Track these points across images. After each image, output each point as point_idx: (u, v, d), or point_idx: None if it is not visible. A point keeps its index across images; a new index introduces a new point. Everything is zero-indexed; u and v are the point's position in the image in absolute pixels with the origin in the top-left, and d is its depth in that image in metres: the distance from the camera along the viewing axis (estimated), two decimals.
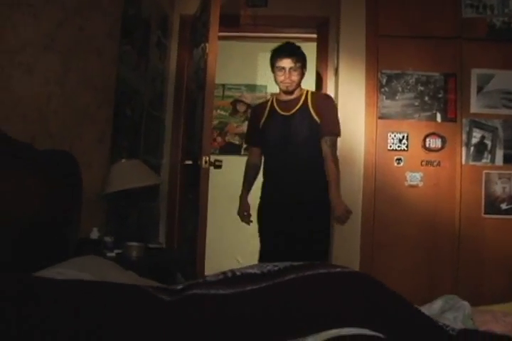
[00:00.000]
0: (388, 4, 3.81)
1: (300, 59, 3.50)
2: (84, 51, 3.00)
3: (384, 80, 3.73)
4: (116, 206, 3.48)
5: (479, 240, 3.62)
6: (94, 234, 2.95)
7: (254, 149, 3.78)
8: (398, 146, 3.68)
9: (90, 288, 1.27)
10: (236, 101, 6.06)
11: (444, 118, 3.71)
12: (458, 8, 3.78)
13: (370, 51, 3.76)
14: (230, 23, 4.46)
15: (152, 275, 2.38)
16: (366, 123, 3.71)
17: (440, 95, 3.72)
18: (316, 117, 3.46)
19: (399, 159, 3.67)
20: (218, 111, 5.88)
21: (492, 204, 3.65)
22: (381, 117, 3.71)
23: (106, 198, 3.29)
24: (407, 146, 3.68)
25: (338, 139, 3.51)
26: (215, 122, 5.78)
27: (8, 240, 2.03)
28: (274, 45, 4.32)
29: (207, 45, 3.60)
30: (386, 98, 3.72)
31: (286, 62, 3.46)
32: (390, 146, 3.68)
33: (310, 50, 4.16)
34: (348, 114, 3.72)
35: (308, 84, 4.02)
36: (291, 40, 3.72)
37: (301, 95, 3.56)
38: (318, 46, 4.65)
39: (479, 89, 3.72)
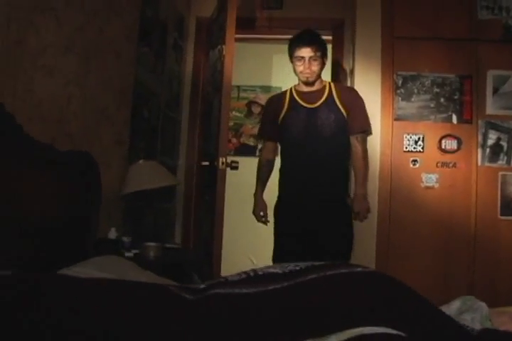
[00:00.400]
0: (404, 6, 3.82)
1: (320, 47, 3.32)
2: (103, 53, 3.04)
3: (400, 82, 3.73)
4: (133, 206, 3.51)
5: (495, 241, 3.61)
6: (112, 234, 2.99)
7: (269, 144, 3.61)
8: (414, 148, 3.68)
9: (114, 286, 1.30)
10: (251, 103, 6.08)
11: (459, 120, 3.71)
12: (473, 10, 3.78)
13: (386, 53, 3.77)
14: (246, 25, 4.49)
15: (169, 275, 2.40)
16: (382, 125, 3.72)
17: (456, 97, 3.72)
18: (343, 110, 3.33)
19: (415, 160, 3.67)
20: (233, 112, 5.90)
21: (508, 206, 3.65)
22: (397, 119, 3.72)
23: (123, 198, 3.32)
24: (422, 148, 3.69)
25: None
26: (230, 123, 5.77)
27: (29, 239, 2.07)
28: None
29: (223, 47, 3.62)
30: (402, 99, 3.72)
31: (306, 52, 3.28)
32: (406, 148, 3.69)
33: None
34: None
35: None
36: None
37: (324, 87, 3.41)
38: (333, 48, 4.65)
39: (495, 91, 3.72)
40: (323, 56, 3.36)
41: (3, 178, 1.94)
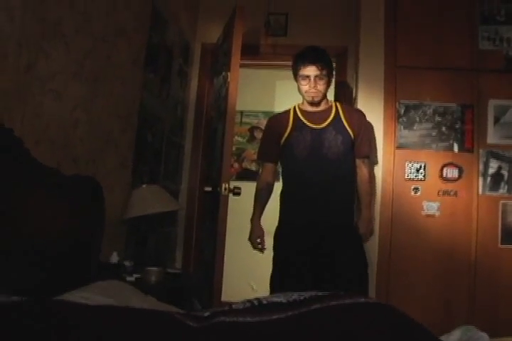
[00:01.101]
0: (406, 35, 3.87)
1: (326, 65, 3.19)
2: (110, 78, 3.08)
3: (402, 110, 3.77)
4: (135, 230, 3.52)
5: (495, 270, 3.61)
6: (114, 258, 2.99)
7: (268, 166, 3.44)
8: (415, 176, 3.70)
9: (120, 313, 1.31)
10: (253, 128, 6.12)
11: (461, 149, 3.74)
12: (475, 41, 3.84)
13: (389, 81, 3.81)
14: (251, 51, 4.54)
15: (170, 300, 2.40)
16: (384, 153, 3.74)
17: (457, 126, 3.75)
18: (350, 132, 3.24)
19: (416, 188, 3.69)
20: (236, 137, 5.93)
21: (508, 235, 3.65)
22: (399, 147, 3.74)
23: (126, 222, 3.34)
24: (424, 176, 3.71)
25: None
26: (233, 148, 5.83)
27: (32, 262, 2.08)
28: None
29: (228, 73, 3.67)
30: (404, 128, 3.75)
31: (311, 70, 3.15)
32: (408, 176, 3.71)
33: None
34: None
35: None
36: None
37: (330, 107, 3.31)
38: (336, 75, 4.71)
39: (496, 120, 3.75)
40: (330, 74, 3.25)
41: (8, 201, 1.96)
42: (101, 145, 3.03)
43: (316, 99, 3.24)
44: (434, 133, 3.75)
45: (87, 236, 2.51)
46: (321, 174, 3.20)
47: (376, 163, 3.67)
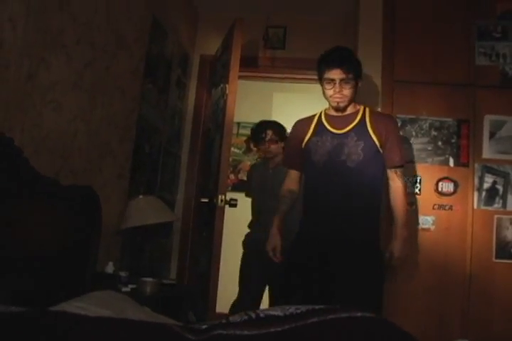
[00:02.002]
0: (404, 50, 3.90)
1: (353, 68, 2.93)
2: (109, 89, 3.10)
3: (398, 124, 3.79)
4: (131, 241, 3.52)
5: (490, 284, 3.61)
6: (110, 269, 2.99)
7: (291, 173, 3.20)
8: (411, 190, 3.71)
9: (121, 326, 1.31)
10: (250, 140, 6.13)
11: (456, 163, 3.76)
12: (471, 56, 3.86)
13: (386, 96, 3.83)
14: (249, 63, 4.58)
15: (164, 311, 2.41)
16: None
17: (453, 140, 3.77)
18: (374, 138, 2.92)
19: (411, 202, 3.69)
20: (232, 148, 5.94)
21: (503, 249, 3.66)
22: None
23: (121, 233, 3.34)
24: (419, 190, 3.72)
25: None
26: (230, 159, 5.84)
27: (28, 271, 2.09)
28: (290, 85, 4.41)
29: (227, 85, 3.69)
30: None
31: (336, 74, 2.89)
32: None
33: None
34: None
35: None
36: (308, 81, 3.76)
37: (357, 111, 3.03)
38: None
39: (492, 135, 3.77)
40: (357, 78, 2.97)
41: (6, 210, 1.97)
42: (99, 155, 3.05)
43: (342, 105, 2.97)
44: (429, 148, 3.77)
45: (84, 245, 2.51)
46: (338, 183, 2.93)
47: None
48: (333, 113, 3.05)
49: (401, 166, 3.03)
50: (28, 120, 2.30)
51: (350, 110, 3.02)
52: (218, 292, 3.52)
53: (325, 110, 3.13)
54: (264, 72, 4.92)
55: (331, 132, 3.00)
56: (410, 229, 3.62)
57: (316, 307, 1.41)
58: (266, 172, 4.02)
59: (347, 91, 2.94)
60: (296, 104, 5.78)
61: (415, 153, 3.76)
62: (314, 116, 3.15)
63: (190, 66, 4.83)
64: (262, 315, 1.40)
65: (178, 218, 4.27)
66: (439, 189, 3.72)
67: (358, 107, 3.06)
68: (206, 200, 3.80)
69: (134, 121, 3.53)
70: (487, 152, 3.76)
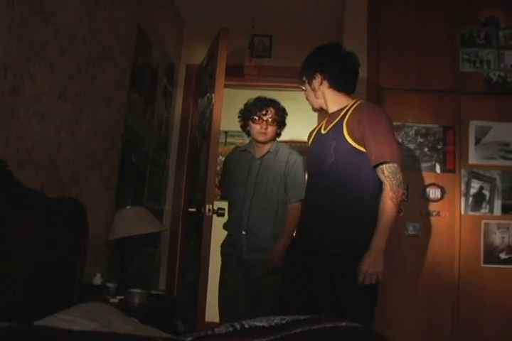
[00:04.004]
0: (389, 58, 3.92)
1: (300, 73, 2.82)
2: (95, 100, 3.09)
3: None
4: (119, 251, 3.51)
5: (478, 289, 3.62)
6: (98, 280, 2.98)
7: None
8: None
9: (103, 339, 1.31)
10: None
11: (443, 169, 3.77)
12: (455, 63, 3.89)
13: (371, 103, 3.84)
14: (235, 72, 4.60)
15: (153, 321, 2.40)
16: None
17: (439, 147, 3.79)
18: (347, 136, 2.57)
19: (399, 209, 3.71)
20: (220, 157, 5.93)
21: (491, 254, 3.67)
22: None
23: (109, 244, 3.33)
24: (407, 196, 3.73)
25: None
26: (217, 169, 5.83)
27: (15, 284, 2.08)
28: (277, 93, 4.40)
29: (213, 95, 3.70)
30: None
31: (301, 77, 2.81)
32: None
33: None
34: None
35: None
36: (294, 90, 3.73)
37: (344, 107, 2.71)
38: None
39: (477, 141, 3.79)
40: (309, 78, 2.79)
41: None
42: (85, 166, 3.04)
43: (313, 109, 2.87)
44: (416, 154, 3.79)
45: (70, 257, 2.50)
46: (318, 189, 2.70)
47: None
48: (329, 111, 2.80)
49: (385, 163, 2.52)
50: (13, 132, 2.29)
51: (335, 108, 2.75)
52: (207, 301, 3.51)
53: None
54: (251, 80, 4.93)
55: (320, 133, 2.80)
56: (397, 235, 3.67)
57: (301, 317, 1.41)
58: (251, 163, 3.57)
59: (306, 94, 2.83)
60: None
61: (402, 159, 3.76)
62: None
63: (177, 76, 4.84)
64: (246, 325, 1.40)
65: (166, 228, 4.26)
66: (427, 195, 3.74)
67: (346, 103, 2.74)
68: (194, 210, 3.79)
69: (120, 131, 3.52)
70: (473, 158, 3.78)
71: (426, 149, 3.79)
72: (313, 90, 2.77)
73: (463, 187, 3.74)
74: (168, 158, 4.70)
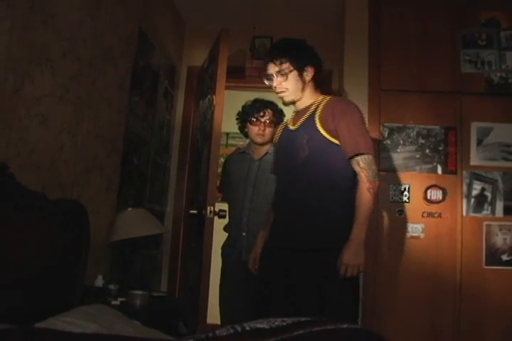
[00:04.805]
0: (390, 59, 3.92)
1: (287, 59, 2.66)
2: (96, 102, 3.09)
3: (386, 133, 3.80)
4: (120, 253, 3.51)
5: (480, 291, 3.62)
6: (99, 282, 2.97)
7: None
8: (400, 198, 3.72)
9: None
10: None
11: (444, 171, 3.77)
12: (457, 64, 3.89)
13: (373, 104, 3.85)
14: (236, 73, 4.59)
15: (155, 323, 2.40)
16: None
17: (441, 148, 3.79)
18: (320, 128, 2.56)
19: (400, 211, 3.71)
20: (221, 159, 5.94)
21: (493, 256, 3.67)
22: (383, 169, 3.76)
23: (111, 245, 3.33)
24: (408, 198, 3.73)
25: None
26: (218, 170, 5.82)
27: (16, 286, 2.08)
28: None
29: (214, 97, 3.70)
30: (388, 150, 3.79)
31: (270, 68, 2.71)
32: (392, 198, 3.73)
33: None
34: None
35: None
36: None
37: (313, 103, 2.69)
38: None
39: (479, 142, 3.79)
40: (300, 66, 2.67)
41: None
42: (86, 168, 3.04)
43: (287, 99, 2.70)
44: (417, 156, 3.79)
45: (72, 259, 2.50)
46: (291, 184, 2.64)
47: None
48: (297, 107, 2.76)
49: (361, 154, 2.52)
50: (14, 134, 2.29)
51: (306, 102, 2.71)
52: (209, 303, 3.51)
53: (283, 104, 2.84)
54: (252, 82, 4.92)
55: (288, 129, 2.77)
56: (398, 237, 3.67)
57: (302, 319, 1.41)
58: (250, 165, 3.56)
59: (286, 84, 2.64)
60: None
61: (403, 161, 3.78)
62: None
63: (178, 77, 4.84)
64: (247, 328, 1.40)
65: (168, 230, 4.26)
66: (428, 197, 3.73)
67: (316, 98, 2.72)
68: (195, 212, 3.79)
69: (122, 133, 3.52)
70: (475, 159, 3.78)
71: (427, 150, 3.79)
72: (302, 81, 2.67)
73: (464, 188, 3.74)
74: (169, 160, 4.70)
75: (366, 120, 2.79)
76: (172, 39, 4.65)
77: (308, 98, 2.71)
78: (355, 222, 2.49)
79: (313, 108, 2.66)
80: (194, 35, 4.99)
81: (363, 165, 2.52)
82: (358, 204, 2.50)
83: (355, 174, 2.55)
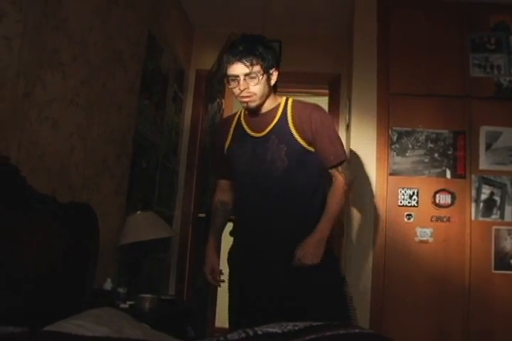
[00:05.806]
0: (399, 63, 3.92)
1: (259, 60, 2.37)
2: (106, 105, 3.11)
3: (395, 137, 3.80)
4: (129, 257, 3.51)
5: (489, 296, 3.61)
6: (108, 285, 2.98)
7: (221, 182, 2.76)
8: (408, 202, 3.72)
9: None
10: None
11: (453, 175, 3.77)
12: (466, 68, 3.89)
13: (382, 108, 3.85)
14: None
15: (163, 327, 2.40)
16: (377, 179, 3.76)
17: (449, 152, 3.79)
18: (298, 138, 2.44)
19: (409, 215, 3.70)
20: None
21: (502, 260, 3.66)
22: (392, 173, 3.76)
23: (119, 249, 3.33)
24: (417, 202, 3.72)
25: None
26: None
27: (26, 289, 2.09)
28: None
29: (223, 100, 3.71)
30: (397, 154, 3.78)
31: (238, 69, 2.38)
32: (401, 202, 3.72)
33: (322, 104, 4.24)
34: (359, 169, 3.77)
35: None
36: (304, 95, 3.70)
37: (277, 106, 2.50)
38: (329, 101, 4.78)
39: (488, 146, 3.79)
40: (267, 69, 2.42)
41: (4, 229, 1.97)
42: (96, 172, 3.05)
43: (252, 105, 2.45)
44: (426, 160, 3.78)
45: (81, 262, 2.51)
46: (266, 196, 2.48)
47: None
48: (252, 111, 2.53)
49: (341, 163, 2.49)
50: (25, 138, 2.30)
51: (268, 106, 2.50)
52: (217, 307, 3.51)
53: (244, 109, 2.60)
54: None
55: (251, 136, 2.54)
56: (407, 241, 3.66)
57: (314, 323, 1.41)
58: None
59: (255, 88, 2.40)
60: None
61: (412, 165, 3.77)
62: (234, 116, 2.70)
63: (187, 81, 4.85)
64: (259, 332, 1.40)
65: (176, 233, 4.27)
66: (437, 201, 3.72)
67: (278, 101, 2.53)
68: (203, 215, 3.79)
69: (131, 137, 3.53)
70: (484, 163, 3.77)
71: (436, 155, 3.79)
72: (268, 85, 2.46)
73: (473, 192, 3.74)
74: (178, 163, 4.71)
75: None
76: (181, 42, 4.66)
77: (271, 101, 2.51)
78: (325, 217, 2.43)
79: (279, 113, 2.49)
80: (203, 39, 5.00)
81: (341, 170, 2.49)
82: (331, 201, 2.45)
83: (328, 179, 2.52)
